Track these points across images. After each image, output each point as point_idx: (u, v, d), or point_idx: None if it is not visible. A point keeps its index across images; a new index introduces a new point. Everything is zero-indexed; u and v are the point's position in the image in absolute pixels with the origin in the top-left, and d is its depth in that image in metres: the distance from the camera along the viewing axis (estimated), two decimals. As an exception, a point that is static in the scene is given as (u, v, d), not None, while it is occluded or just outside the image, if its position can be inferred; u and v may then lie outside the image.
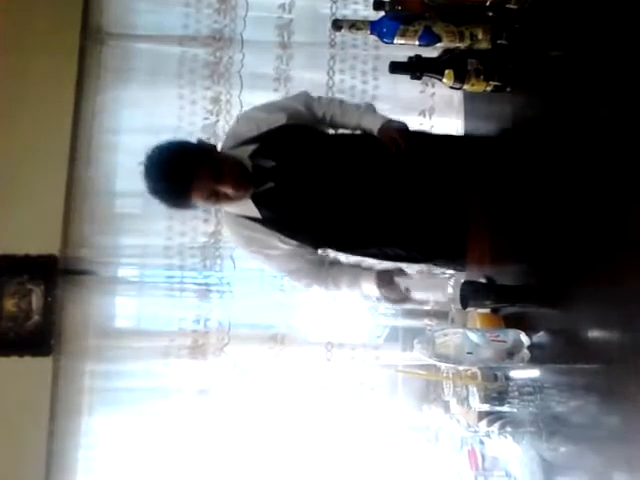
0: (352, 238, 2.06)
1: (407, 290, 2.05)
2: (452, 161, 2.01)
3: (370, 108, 2.12)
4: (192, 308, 2.85)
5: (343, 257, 2.25)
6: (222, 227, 2.85)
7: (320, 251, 2.20)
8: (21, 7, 2.85)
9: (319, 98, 2.13)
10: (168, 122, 2.93)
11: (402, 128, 2.01)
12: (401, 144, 1.95)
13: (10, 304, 2.76)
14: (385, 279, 2.09)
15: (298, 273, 2.18)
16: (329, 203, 1.97)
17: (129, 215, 2.94)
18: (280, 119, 2.00)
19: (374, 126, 2.00)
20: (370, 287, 2.12)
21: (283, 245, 2.05)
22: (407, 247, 2.08)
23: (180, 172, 1.82)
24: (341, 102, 2.15)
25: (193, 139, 2.09)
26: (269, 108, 2.07)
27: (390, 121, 2.03)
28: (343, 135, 2.13)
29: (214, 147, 2.06)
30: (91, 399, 2.79)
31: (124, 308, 2.97)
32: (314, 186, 1.96)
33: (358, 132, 2.10)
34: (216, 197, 1.90)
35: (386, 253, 2.12)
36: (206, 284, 2.86)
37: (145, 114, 2.96)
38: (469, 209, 1.91)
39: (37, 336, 2.74)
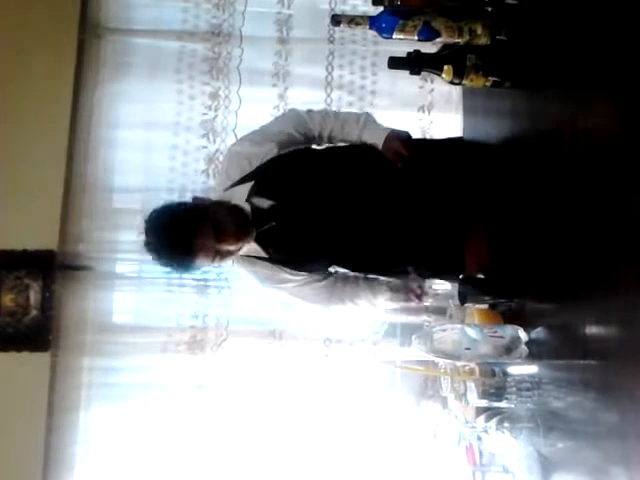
0: (363, 257, 2.03)
1: (421, 289, 2.04)
2: (454, 167, 1.99)
3: (370, 119, 2.03)
4: (190, 304, 2.84)
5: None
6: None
7: (332, 270, 2.15)
8: (19, 2, 2.84)
9: (310, 115, 2.02)
10: (166, 117, 2.92)
11: (406, 138, 1.96)
12: (406, 157, 1.91)
13: (8, 299, 2.76)
14: (400, 291, 2.09)
15: (314, 298, 2.14)
16: (334, 228, 1.92)
17: (127, 210, 2.93)
18: (271, 151, 1.93)
19: (378, 140, 1.94)
20: (387, 301, 2.12)
21: (293, 277, 2.04)
22: (416, 261, 2.05)
23: (181, 238, 1.79)
24: (337, 115, 2.04)
25: (188, 198, 2.03)
26: (258, 140, 1.98)
27: (393, 132, 1.97)
28: (339, 150, 2.04)
29: (211, 204, 1.95)
30: (89, 394, 2.78)
31: (122, 303, 2.96)
32: (316, 216, 1.91)
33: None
34: (220, 255, 1.86)
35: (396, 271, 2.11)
36: (204, 280, 2.85)
37: (143, 109, 2.95)
38: (470, 213, 1.90)
39: (35, 331, 2.74)
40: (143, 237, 1.87)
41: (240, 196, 1.92)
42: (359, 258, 2.03)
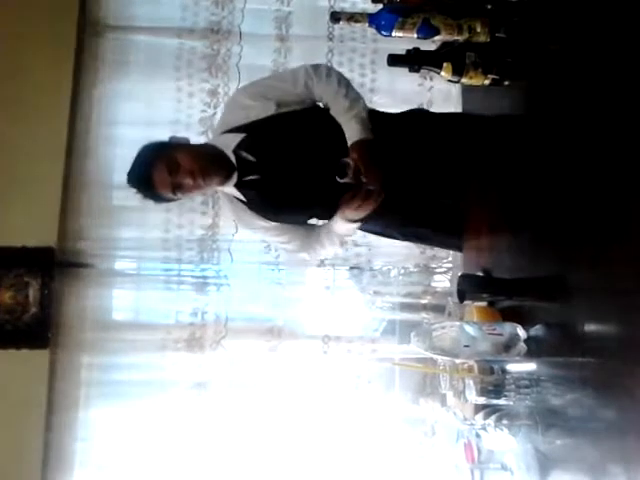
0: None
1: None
2: (450, 143, 1.99)
3: (358, 116, 1.93)
4: (189, 301, 2.85)
5: None
6: (220, 219, 2.86)
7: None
8: (19, 0, 2.85)
9: (319, 78, 1.97)
10: (166, 114, 2.92)
11: (370, 155, 1.87)
12: (356, 177, 1.84)
13: (7, 296, 2.76)
14: (346, 200, 1.95)
15: (287, 245, 2.19)
16: (317, 190, 1.96)
17: (126, 207, 2.93)
18: (269, 108, 1.96)
19: (348, 140, 1.90)
20: (342, 223, 2.02)
21: (268, 223, 2.08)
22: (404, 220, 2.09)
23: (139, 170, 1.97)
24: (336, 94, 1.97)
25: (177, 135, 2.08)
26: (262, 93, 2.00)
27: (361, 141, 1.88)
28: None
29: (175, 143, 2.04)
30: (88, 391, 2.79)
31: (121, 301, 2.97)
32: (300, 179, 1.96)
33: None
34: (180, 188, 1.94)
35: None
36: (203, 277, 2.86)
37: (143, 106, 2.96)
38: (466, 191, 1.91)
39: (34, 328, 2.74)
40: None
41: (228, 143, 1.98)
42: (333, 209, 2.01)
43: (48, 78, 2.80)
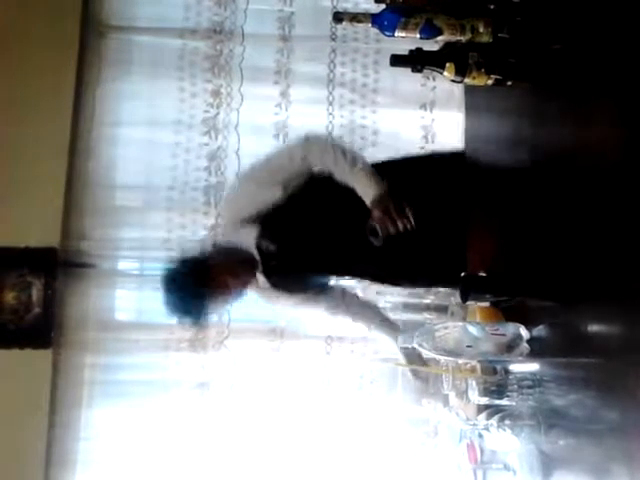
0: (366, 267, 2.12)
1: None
2: (453, 184, 2.01)
3: (364, 171, 1.95)
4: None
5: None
6: (222, 220, 2.86)
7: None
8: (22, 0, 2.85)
9: (314, 150, 2.00)
10: (168, 115, 2.93)
11: (398, 201, 1.88)
12: (399, 223, 1.86)
13: (10, 296, 2.76)
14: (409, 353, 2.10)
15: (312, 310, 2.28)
16: (335, 255, 2.02)
17: (129, 208, 2.93)
18: (276, 194, 1.98)
19: (367, 197, 1.91)
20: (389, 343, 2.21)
21: (296, 298, 2.16)
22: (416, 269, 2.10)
23: (186, 304, 1.95)
24: (335, 160, 1.96)
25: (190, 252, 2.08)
26: (264, 181, 2.01)
27: (383, 193, 1.89)
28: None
29: (208, 263, 2.02)
30: (91, 391, 2.79)
31: (124, 301, 2.96)
32: (320, 250, 2.00)
33: None
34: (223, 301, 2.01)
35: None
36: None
37: (145, 107, 2.96)
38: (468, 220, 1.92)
39: (37, 328, 2.74)
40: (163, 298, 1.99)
41: (247, 239, 2.00)
42: (360, 268, 2.13)
43: (51, 78, 2.80)
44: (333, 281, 2.24)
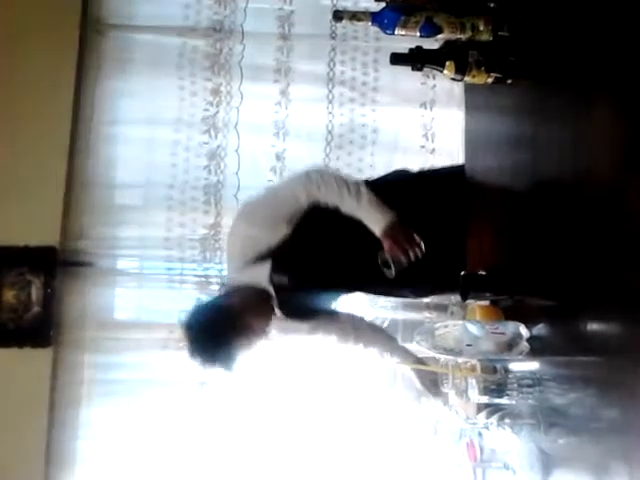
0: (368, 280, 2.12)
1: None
2: (453, 202, 2.04)
3: (369, 203, 1.95)
4: (191, 300, 2.84)
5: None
6: (222, 218, 2.86)
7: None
8: (21, -2, 2.85)
9: (317, 186, 1.98)
10: (168, 113, 2.93)
11: (407, 230, 1.91)
12: (409, 253, 1.89)
13: (10, 295, 2.76)
14: (427, 381, 2.11)
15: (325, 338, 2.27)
16: (354, 274, 2.04)
17: (129, 206, 2.94)
18: (282, 230, 1.99)
19: (376, 227, 1.92)
20: (407, 373, 2.20)
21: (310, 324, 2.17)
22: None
23: (218, 356, 1.94)
24: (340, 195, 1.96)
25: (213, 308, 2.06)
26: (267, 219, 2.01)
27: (393, 222, 1.91)
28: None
29: (232, 312, 2.01)
30: (90, 390, 2.79)
31: (123, 299, 2.97)
32: (332, 273, 2.01)
33: None
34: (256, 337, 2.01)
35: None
36: (205, 276, 2.86)
37: (145, 105, 2.96)
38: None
39: (36, 327, 2.74)
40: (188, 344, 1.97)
41: (259, 276, 2.00)
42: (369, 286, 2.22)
43: (50, 77, 2.80)
44: (342, 308, 2.27)
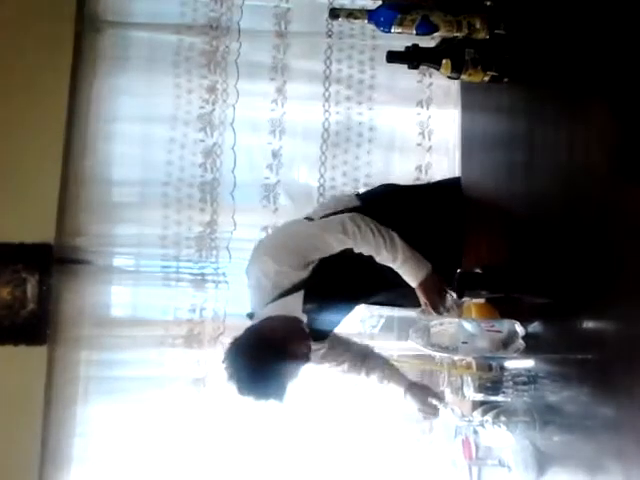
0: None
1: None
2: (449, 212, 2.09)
3: (407, 259, 1.97)
4: (187, 297, 2.84)
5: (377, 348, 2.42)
6: (218, 217, 2.86)
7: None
8: (16, -6, 2.84)
9: (354, 240, 1.97)
10: (164, 111, 2.92)
11: (441, 281, 1.96)
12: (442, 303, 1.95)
13: (5, 293, 2.75)
14: (418, 396, 2.19)
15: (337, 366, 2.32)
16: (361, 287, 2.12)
17: (125, 204, 2.93)
18: (303, 275, 2.00)
19: (412, 280, 1.98)
20: (400, 393, 2.24)
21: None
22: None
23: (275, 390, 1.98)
24: (377, 248, 1.97)
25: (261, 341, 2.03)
26: (298, 263, 2.01)
27: (430, 276, 1.97)
28: None
29: (271, 333, 2.02)
30: (86, 388, 2.79)
31: (119, 297, 2.96)
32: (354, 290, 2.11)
33: None
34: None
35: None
36: (202, 274, 2.86)
37: (141, 102, 2.95)
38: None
39: (32, 325, 2.73)
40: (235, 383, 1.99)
41: (295, 307, 2.01)
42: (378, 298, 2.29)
43: (46, 74, 2.79)
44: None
